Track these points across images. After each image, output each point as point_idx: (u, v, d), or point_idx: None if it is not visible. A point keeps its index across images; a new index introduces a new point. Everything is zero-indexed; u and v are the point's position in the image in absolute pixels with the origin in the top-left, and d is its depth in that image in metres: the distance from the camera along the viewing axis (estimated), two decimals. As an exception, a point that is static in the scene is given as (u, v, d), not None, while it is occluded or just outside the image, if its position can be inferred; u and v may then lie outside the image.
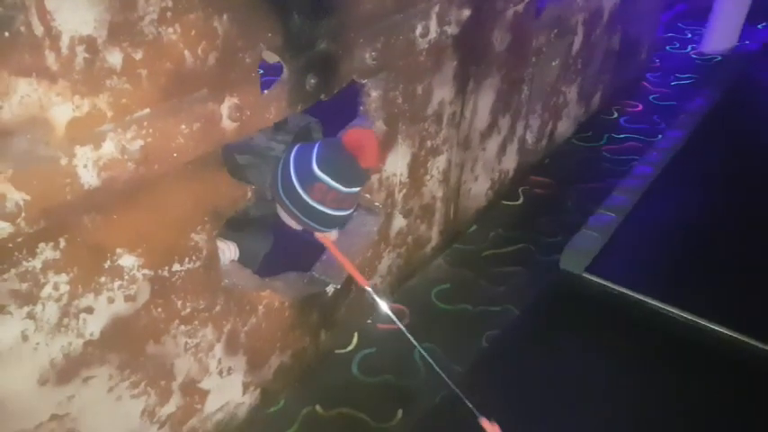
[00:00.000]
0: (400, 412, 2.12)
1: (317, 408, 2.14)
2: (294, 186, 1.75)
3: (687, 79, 4.60)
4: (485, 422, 1.76)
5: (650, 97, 4.38)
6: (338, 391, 2.18)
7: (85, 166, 1.25)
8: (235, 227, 1.81)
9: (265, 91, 1.59)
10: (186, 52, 1.36)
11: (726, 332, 2.32)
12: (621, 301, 2.49)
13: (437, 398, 2.12)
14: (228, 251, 1.86)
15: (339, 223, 1.87)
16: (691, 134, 3.62)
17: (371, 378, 2.25)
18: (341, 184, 1.73)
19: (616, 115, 4.16)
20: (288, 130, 1.93)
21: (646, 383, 2.20)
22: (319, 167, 1.72)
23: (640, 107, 4.26)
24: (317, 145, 1.76)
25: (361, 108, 2.07)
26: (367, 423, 2.08)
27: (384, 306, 1.92)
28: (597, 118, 4.08)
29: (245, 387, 1.99)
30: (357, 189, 1.78)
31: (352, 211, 1.85)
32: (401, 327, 1.89)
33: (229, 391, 1.94)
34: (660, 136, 3.71)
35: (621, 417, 2.09)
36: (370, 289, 1.91)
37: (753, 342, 2.28)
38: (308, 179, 1.73)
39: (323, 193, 1.73)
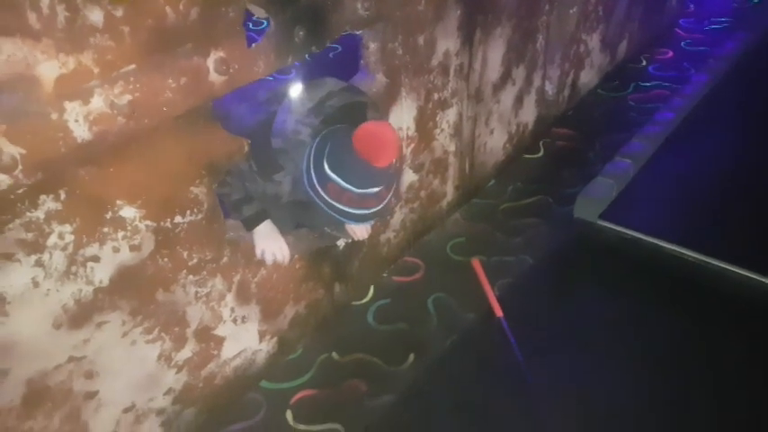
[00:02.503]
0: (412, 356, 2.18)
1: (334, 354, 2.22)
2: (314, 182, 1.60)
3: (723, 24, 4.39)
4: None
5: (682, 43, 4.21)
6: (353, 340, 2.25)
7: (76, 121, 1.33)
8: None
9: (252, 44, 1.63)
10: (167, 8, 1.42)
11: (741, 272, 2.27)
12: (635, 246, 2.47)
13: (447, 342, 2.17)
14: (279, 252, 1.88)
15: (365, 220, 1.66)
16: (718, 79, 3.47)
17: (385, 326, 2.31)
18: (353, 186, 1.54)
19: (644, 63, 4.03)
20: (322, 110, 1.69)
21: (659, 324, 2.19)
22: (330, 167, 1.55)
23: (671, 54, 4.10)
24: (331, 138, 1.60)
25: (361, 62, 2.09)
26: (380, 366, 2.16)
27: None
28: (624, 67, 3.96)
29: (262, 335, 2.09)
30: (375, 190, 1.55)
31: (379, 208, 1.61)
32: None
33: (246, 338, 2.03)
34: (687, 82, 3.58)
35: (635, 356, 2.09)
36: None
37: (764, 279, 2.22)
38: (322, 176, 1.57)
39: (337, 193, 1.56)
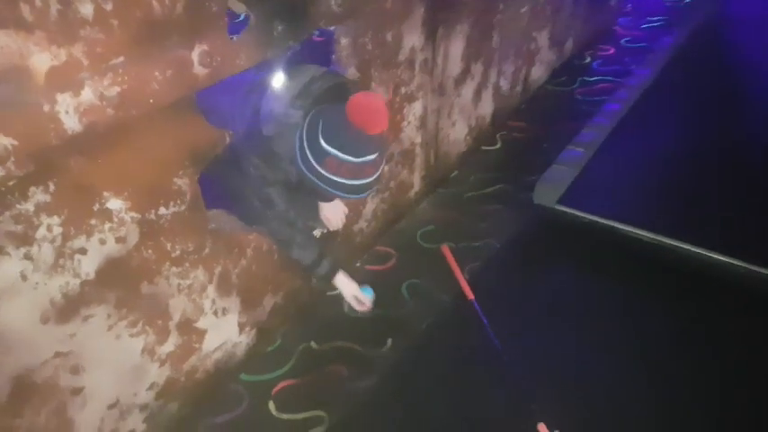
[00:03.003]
0: (390, 341, 2.25)
1: (312, 344, 2.26)
2: (309, 159, 1.64)
3: (658, 22, 4.66)
4: None
5: (622, 40, 4.45)
6: (331, 328, 2.30)
7: (67, 112, 1.33)
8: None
9: (234, 37, 1.66)
10: (154, 1, 1.43)
11: (692, 249, 2.45)
12: (591, 228, 2.63)
13: (423, 325, 2.26)
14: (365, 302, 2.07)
15: (364, 190, 1.70)
16: (658, 71, 3.71)
17: (361, 313, 2.36)
18: (352, 156, 1.60)
19: (589, 60, 4.24)
20: (309, 93, 1.74)
21: (619, 299, 2.35)
22: (326, 141, 1.60)
23: (612, 50, 4.33)
24: (322, 114, 1.66)
25: (333, 56, 2.14)
26: (359, 352, 2.22)
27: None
28: (570, 63, 4.16)
29: (242, 327, 2.11)
30: (372, 157, 1.62)
31: (375, 176, 1.68)
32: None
33: (226, 330, 2.05)
34: (629, 76, 3.80)
35: (595, 330, 2.23)
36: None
37: (715, 255, 2.41)
38: (319, 153, 1.62)
39: (336, 166, 1.61)
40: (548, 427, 1.90)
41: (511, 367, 2.04)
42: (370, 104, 1.57)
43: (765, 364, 2.07)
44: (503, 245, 2.65)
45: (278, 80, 1.78)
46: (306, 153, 1.65)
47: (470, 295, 2.35)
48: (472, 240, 2.68)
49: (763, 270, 2.32)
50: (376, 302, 2.39)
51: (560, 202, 2.74)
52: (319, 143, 1.61)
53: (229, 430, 2.00)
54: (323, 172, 1.64)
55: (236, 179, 1.88)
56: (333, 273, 2.02)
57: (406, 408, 2.04)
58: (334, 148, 1.60)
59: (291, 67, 1.83)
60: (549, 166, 2.99)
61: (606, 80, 3.94)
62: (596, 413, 1.94)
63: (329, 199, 2.15)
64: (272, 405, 2.07)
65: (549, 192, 2.77)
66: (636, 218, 2.59)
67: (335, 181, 1.64)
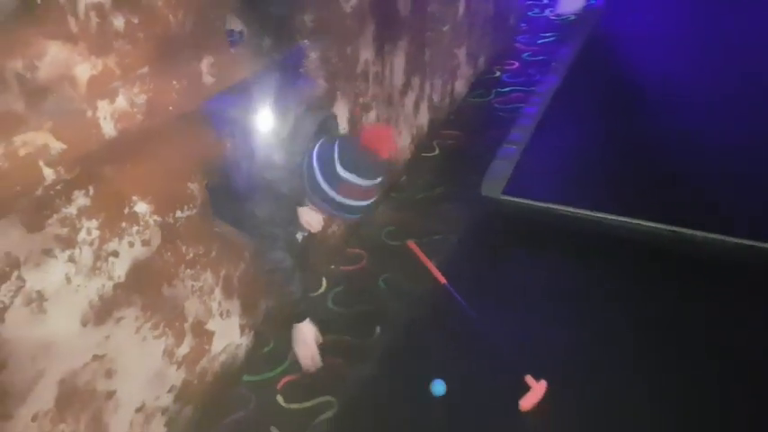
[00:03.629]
0: (378, 329, 2.42)
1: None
2: (321, 187, 1.77)
3: (551, 37, 5.24)
4: None
5: (523, 55, 4.95)
6: (320, 324, 2.40)
7: (105, 118, 1.44)
8: None
9: (233, 50, 1.81)
10: (170, 17, 1.57)
11: (626, 220, 2.83)
12: (534, 211, 2.96)
13: (405, 311, 2.46)
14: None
15: (367, 209, 1.87)
16: (561, 78, 4.21)
17: (347, 309, 2.53)
18: (365, 179, 1.76)
19: (498, 74, 4.68)
20: (304, 134, 1.86)
21: (564, 274, 2.66)
22: (344, 168, 1.74)
23: (517, 65, 4.81)
24: (336, 145, 1.77)
25: (302, 69, 2.33)
26: (352, 342, 2.36)
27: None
28: (484, 77, 4.57)
29: (242, 329, 2.20)
30: (380, 179, 1.81)
31: (376, 197, 1.87)
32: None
33: (230, 332, 2.13)
34: (538, 83, 4.27)
35: (551, 302, 2.52)
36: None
37: (644, 223, 2.80)
38: (334, 179, 1.75)
39: (350, 190, 1.76)
40: (534, 378, 2.14)
41: (489, 338, 2.26)
42: (381, 132, 1.77)
43: (701, 316, 2.42)
44: (460, 237, 2.91)
45: (263, 124, 1.85)
46: (317, 182, 1.78)
47: (442, 280, 2.57)
48: (431, 236, 2.92)
49: (686, 231, 2.73)
50: (356, 298, 2.58)
51: (505, 192, 3.06)
52: (335, 170, 1.75)
53: (244, 427, 2.07)
54: (335, 197, 1.78)
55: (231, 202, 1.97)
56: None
57: (406, 384, 2.21)
58: (351, 173, 1.74)
59: (265, 108, 1.88)
60: (483, 165, 3.31)
61: (517, 90, 4.38)
62: (556, 376, 2.15)
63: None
64: (279, 398, 2.16)
65: (494, 185, 3.08)
66: (569, 198, 2.95)
67: (345, 204, 1.79)
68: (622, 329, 2.36)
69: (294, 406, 2.14)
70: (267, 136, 1.85)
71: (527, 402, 2.10)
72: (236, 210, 1.96)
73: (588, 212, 2.90)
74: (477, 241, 2.87)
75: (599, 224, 2.86)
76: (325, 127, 1.95)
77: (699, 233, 2.72)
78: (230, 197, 1.93)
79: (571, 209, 2.93)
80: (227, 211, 2.01)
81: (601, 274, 2.63)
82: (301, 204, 1.94)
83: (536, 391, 2.12)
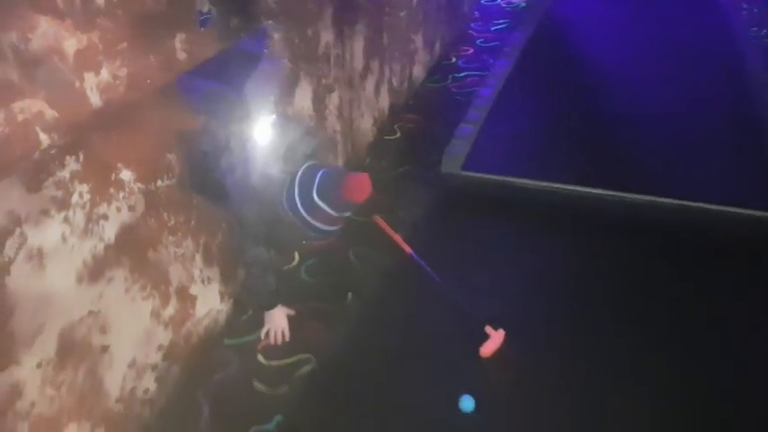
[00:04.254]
0: (350, 295, 2.59)
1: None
2: (298, 207, 1.98)
3: (503, 24, 5.49)
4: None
5: (477, 41, 5.18)
6: (295, 293, 2.58)
7: (91, 89, 1.58)
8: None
9: (202, 29, 1.96)
10: (145, -4, 1.71)
11: (580, 189, 3.08)
12: (493, 184, 3.18)
13: (374, 279, 2.64)
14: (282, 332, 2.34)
15: (334, 233, 2.13)
16: (515, 62, 4.46)
17: (319, 279, 2.69)
18: (336, 211, 1.99)
19: (454, 60, 4.89)
20: (297, 154, 2.06)
21: (522, 240, 2.88)
22: (319, 197, 1.95)
23: (471, 51, 5.03)
24: (318, 176, 1.96)
25: (266, 50, 2.48)
26: (326, 307, 2.53)
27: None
28: (440, 63, 4.79)
29: (222, 296, 2.34)
30: (349, 213, 2.05)
31: (342, 223, 2.09)
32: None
33: (211, 298, 2.27)
34: (492, 68, 4.51)
35: (506, 265, 2.74)
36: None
37: (592, 190, 3.04)
38: (310, 206, 1.96)
39: (322, 216, 1.98)
40: (493, 327, 2.34)
41: (451, 296, 2.45)
42: (361, 182, 1.97)
43: (641, 269, 2.66)
44: (423, 212, 3.10)
45: (262, 138, 2.04)
46: (295, 202, 1.97)
47: (408, 249, 2.75)
48: (396, 211, 3.09)
49: (626, 195, 2.99)
50: (328, 268, 2.74)
51: (464, 168, 3.27)
52: (312, 198, 1.95)
53: (228, 384, 2.21)
54: (309, 219, 1.99)
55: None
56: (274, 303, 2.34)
57: (378, 340, 2.38)
58: (325, 203, 1.95)
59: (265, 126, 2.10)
60: (442, 147, 3.51)
61: (473, 75, 4.60)
62: (513, 327, 2.35)
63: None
64: (260, 357, 2.31)
65: (453, 161, 3.29)
66: (524, 171, 3.18)
67: (314, 226, 2.01)
68: (573, 285, 2.59)
69: (274, 363, 2.30)
70: (264, 148, 2.04)
71: (487, 349, 2.30)
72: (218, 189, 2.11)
73: (541, 183, 3.13)
74: (439, 214, 3.06)
75: (552, 194, 3.10)
76: (313, 153, 2.14)
77: (641, 197, 2.99)
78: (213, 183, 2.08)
79: (526, 180, 3.16)
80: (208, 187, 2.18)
81: (553, 238, 2.86)
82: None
83: (495, 339, 2.32)
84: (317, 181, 1.96)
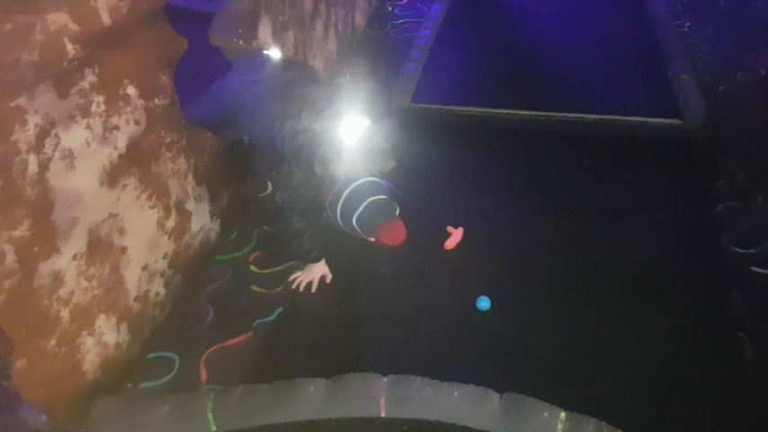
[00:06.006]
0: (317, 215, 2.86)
1: (265, 228, 2.77)
2: (337, 217, 2.23)
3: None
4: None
5: (409, -9, 5.47)
6: (275, 214, 2.81)
7: (102, 9, 1.76)
8: None
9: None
10: (137, -73, 1.89)
11: (506, 111, 3.48)
12: (440, 113, 3.54)
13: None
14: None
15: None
16: (447, 6, 4.80)
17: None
18: (366, 236, 2.28)
19: (390, 9, 5.17)
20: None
21: (468, 158, 3.23)
22: (357, 222, 2.19)
23: (405, 0, 5.32)
24: (364, 204, 2.16)
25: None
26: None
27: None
28: (378, 12, 5.05)
29: (211, 215, 2.56)
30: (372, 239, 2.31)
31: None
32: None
33: (203, 215, 2.49)
34: (428, 13, 4.83)
35: (459, 180, 3.08)
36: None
37: (524, 112, 3.45)
38: (347, 222, 2.21)
39: (352, 231, 2.24)
40: (453, 227, 2.69)
41: (415, 206, 2.75)
42: (396, 232, 2.22)
43: (573, 175, 3.08)
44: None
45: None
46: (336, 212, 2.23)
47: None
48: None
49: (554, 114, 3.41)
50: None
51: (413, 101, 3.59)
52: (352, 220, 2.19)
53: (228, 289, 2.46)
54: (342, 227, 2.27)
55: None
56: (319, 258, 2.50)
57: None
58: (360, 229, 2.22)
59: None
60: (389, 85, 3.81)
61: (409, 21, 4.90)
62: (471, 226, 2.70)
63: None
64: (253, 267, 2.56)
65: (402, 95, 3.60)
66: (465, 99, 3.56)
67: (345, 232, 2.31)
68: (516, 193, 2.98)
69: (267, 270, 2.55)
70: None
71: (450, 243, 2.65)
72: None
73: (480, 109, 3.50)
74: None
75: (491, 117, 3.48)
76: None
77: (565, 114, 3.42)
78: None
79: (469, 108, 3.52)
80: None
81: (493, 153, 3.25)
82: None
83: (456, 235, 2.68)
84: (361, 208, 2.18)
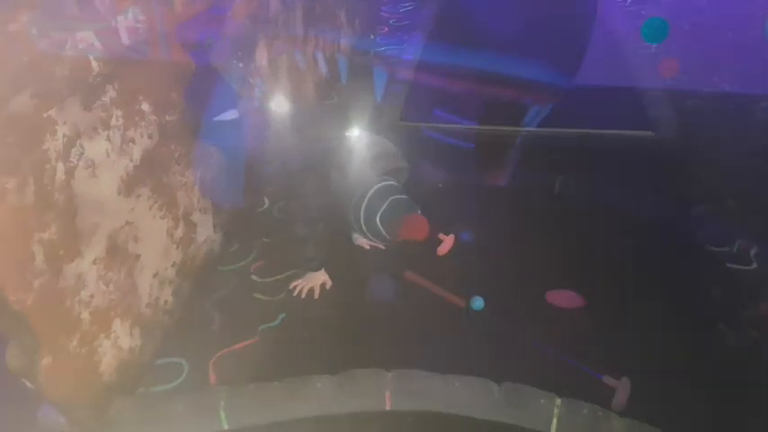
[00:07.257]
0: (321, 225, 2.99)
1: (265, 240, 2.88)
2: (360, 221, 2.41)
3: (411, 5, 6.05)
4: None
5: (390, 21, 5.73)
6: (275, 229, 2.94)
7: (122, 29, 1.89)
8: None
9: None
10: (152, -45, 2.04)
11: (483, 127, 3.68)
12: (428, 129, 3.72)
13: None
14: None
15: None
16: (429, 32, 5.04)
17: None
18: (389, 236, 2.44)
19: (373, 37, 5.40)
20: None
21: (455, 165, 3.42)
22: (381, 221, 2.38)
23: (387, 29, 5.57)
24: (387, 202, 2.37)
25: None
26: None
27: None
28: (362, 40, 5.26)
29: (215, 227, 2.67)
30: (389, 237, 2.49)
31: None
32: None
33: (207, 227, 2.60)
34: (408, 40, 5.07)
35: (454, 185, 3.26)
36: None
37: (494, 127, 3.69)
38: (370, 223, 2.39)
39: (376, 233, 2.41)
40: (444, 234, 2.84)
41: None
42: (419, 227, 2.38)
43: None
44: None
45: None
46: (360, 215, 2.42)
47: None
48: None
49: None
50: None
51: (402, 119, 3.78)
52: (374, 218, 2.38)
53: (232, 298, 2.55)
54: (365, 231, 2.46)
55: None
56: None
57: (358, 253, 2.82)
58: (384, 229, 2.39)
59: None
60: (378, 106, 4.00)
61: (392, 49, 5.13)
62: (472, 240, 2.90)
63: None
64: (254, 277, 2.67)
65: (391, 113, 3.79)
66: (447, 117, 3.76)
67: (368, 236, 2.52)
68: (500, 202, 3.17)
69: (269, 279, 2.66)
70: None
71: (442, 249, 2.79)
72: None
73: (461, 125, 3.71)
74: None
75: (471, 133, 3.70)
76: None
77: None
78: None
79: (456, 124, 3.71)
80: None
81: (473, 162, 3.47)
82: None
83: (447, 242, 2.81)
84: (384, 206, 2.34)
